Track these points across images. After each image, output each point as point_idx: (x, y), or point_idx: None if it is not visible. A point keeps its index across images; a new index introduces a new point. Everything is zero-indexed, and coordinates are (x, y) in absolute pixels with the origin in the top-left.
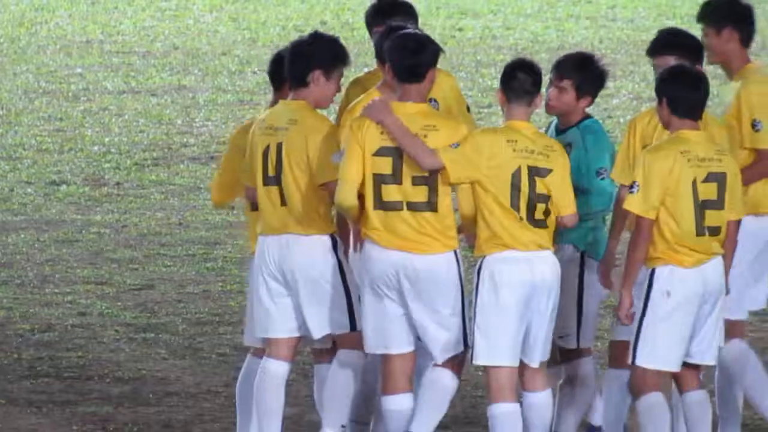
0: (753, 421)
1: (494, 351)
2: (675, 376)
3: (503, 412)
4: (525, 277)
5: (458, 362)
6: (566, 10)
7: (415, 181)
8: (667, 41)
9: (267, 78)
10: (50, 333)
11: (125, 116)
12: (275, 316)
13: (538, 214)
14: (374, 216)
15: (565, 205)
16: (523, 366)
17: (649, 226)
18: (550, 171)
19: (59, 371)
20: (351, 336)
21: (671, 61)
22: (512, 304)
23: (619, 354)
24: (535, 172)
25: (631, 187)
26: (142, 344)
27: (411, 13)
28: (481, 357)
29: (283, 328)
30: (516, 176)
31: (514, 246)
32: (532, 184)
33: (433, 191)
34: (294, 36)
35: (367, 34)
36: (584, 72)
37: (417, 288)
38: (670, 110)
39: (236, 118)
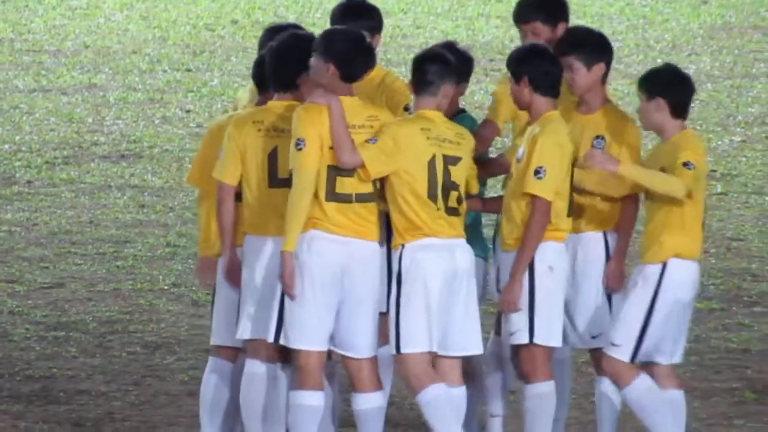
0: None
1: (418, 338)
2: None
3: (436, 396)
4: (447, 264)
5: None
6: (476, 9)
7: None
8: (537, 5)
9: (177, 77)
10: None
11: (36, 115)
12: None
13: (452, 202)
14: (327, 207)
15: (470, 188)
16: (439, 360)
17: None
18: (460, 159)
19: None
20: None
21: (539, 25)
22: (436, 290)
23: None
24: (449, 161)
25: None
26: (53, 342)
27: (377, 18)
28: (409, 346)
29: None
30: (432, 165)
31: (433, 234)
32: (446, 173)
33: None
34: (205, 35)
35: None
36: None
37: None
38: (532, 88)
39: (146, 117)
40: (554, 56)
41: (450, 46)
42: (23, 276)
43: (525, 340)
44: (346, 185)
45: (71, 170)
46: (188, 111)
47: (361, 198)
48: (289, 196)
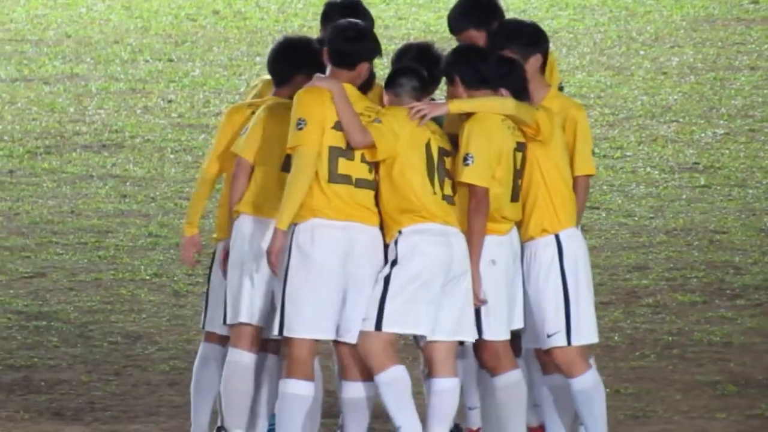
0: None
1: (403, 319)
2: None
3: (397, 377)
4: (443, 250)
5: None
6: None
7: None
8: (467, 13)
9: (159, 67)
10: None
11: (18, 104)
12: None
13: (447, 190)
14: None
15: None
16: (432, 347)
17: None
18: (449, 152)
19: None
20: None
21: (472, 32)
22: (434, 275)
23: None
24: (441, 151)
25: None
26: (34, 332)
27: (369, 18)
28: (394, 326)
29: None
30: (428, 148)
31: (430, 218)
32: (440, 159)
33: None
34: (187, 25)
35: (258, 24)
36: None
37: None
38: (465, 86)
39: (128, 107)
40: (483, 51)
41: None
42: (4, 265)
43: (476, 336)
44: (348, 168)
45: (53, 160)
46: (170, 101)
47: (361, 183)
48: (289, 176)
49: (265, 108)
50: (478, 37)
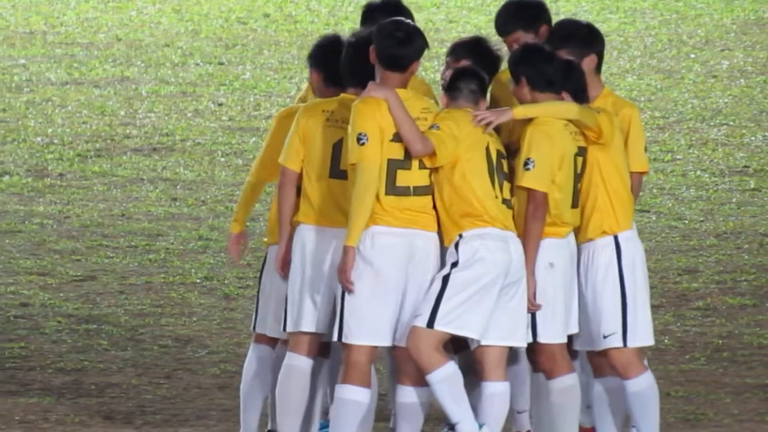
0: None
1: (460, 320)
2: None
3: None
4: (502, 255)
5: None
6: None
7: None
8: (514, 15)
9: (209, 70)
10: None
11: (68, 107)
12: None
13: (506, 193)
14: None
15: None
16: (484, 352)
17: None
18: (504, 156)
19: (1, 361)
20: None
21: (520, 34)
22: (492, 281)
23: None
24: (499, 154)
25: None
26: (84, 335)
27: (410, 15)
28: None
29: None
30: (488, 152)
31: (491, 223)
32: (499, 162)
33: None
34: (237, 28)
35: (309, 27)
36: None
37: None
38: (530, 87)
39: (179, 110)
40: (550, 53)
41: (479, 42)
42: (55, 269)
43: (530, 339)
44: (406, 178)
45: (103, 163)
46: (220, 104)
47: (419, 191)
48: (354, 192)
49: (300, 112)
50: (525, 38)
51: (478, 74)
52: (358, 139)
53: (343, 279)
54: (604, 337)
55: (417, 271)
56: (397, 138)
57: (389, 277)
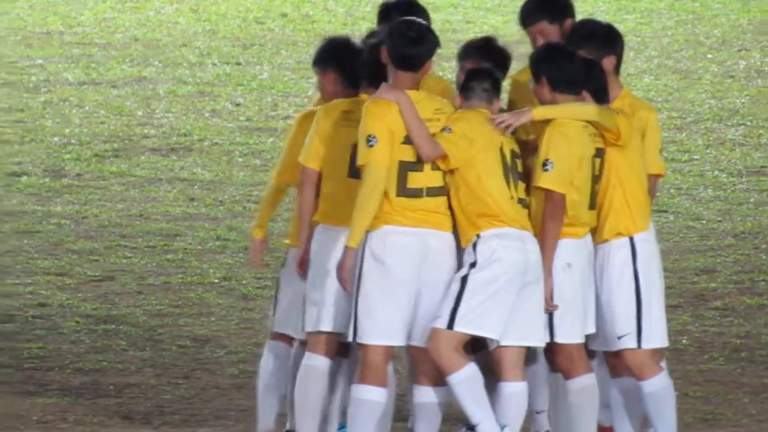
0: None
1: (479, 321)
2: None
3: (469, 376)
4: (519, 255)
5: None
6: None
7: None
8: (541, 5)
9: (227, 70)
10: (10, 324)
11: (85, 108)
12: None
13: (521, 192)
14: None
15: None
16: (502, 352)
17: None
18: (519, 155)
19: (19, 362)
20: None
21: (545, 25)
22: (510, 281)
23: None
24: (513, 153)
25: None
26: (102, 335)
27: (426, 15)
28: (469, 326)
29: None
30: (501, 152)
31: (508, 222)
32: (513, 162)
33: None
34: (254, 28)
35: (326, 27)
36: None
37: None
38: (551, 86)
39: (196, 110)
40: (571, 52)
41: (489, 42)
42: (73, 269)
43: (547, 339)
44: (417, 180)
45: (121, 163)
46: (238, 104)
47: (432, 192)
48: (359, 193)
49: (320, 113)
50: (549, 30)
51: (491, 74)
52: (367, 141)
53: (340, 276)
54: (619, 338)
55: (431, 270)
56: (408, 140)
57: (401, 276)
